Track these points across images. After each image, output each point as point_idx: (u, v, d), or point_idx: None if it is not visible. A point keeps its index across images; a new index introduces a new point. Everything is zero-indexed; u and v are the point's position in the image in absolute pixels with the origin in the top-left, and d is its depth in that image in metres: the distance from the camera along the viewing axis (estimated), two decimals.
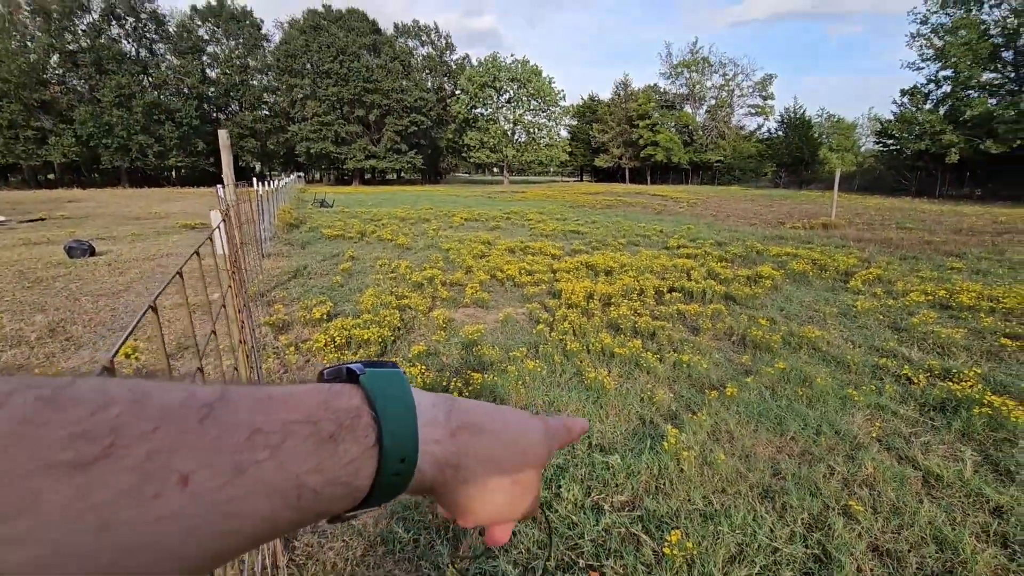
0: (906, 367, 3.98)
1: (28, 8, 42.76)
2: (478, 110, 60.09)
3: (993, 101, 31.46)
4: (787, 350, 4.48)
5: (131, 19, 48.18)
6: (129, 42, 48.76)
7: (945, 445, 2.98)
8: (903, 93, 37.89)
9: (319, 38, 51.75)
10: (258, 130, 53.43)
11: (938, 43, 33.86)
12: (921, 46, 35.31)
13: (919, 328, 4.90)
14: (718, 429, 3.12)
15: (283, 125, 54.35)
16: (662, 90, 61.79)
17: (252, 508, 0.26)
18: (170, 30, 50.57)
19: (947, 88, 34.73)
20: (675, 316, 5.42)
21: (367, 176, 58.92)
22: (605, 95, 69.84)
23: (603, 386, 3.63)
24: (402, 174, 60.10)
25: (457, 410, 0.39)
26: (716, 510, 2.40)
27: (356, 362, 0.37)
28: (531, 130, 61.13)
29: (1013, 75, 32.39)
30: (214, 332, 1.49)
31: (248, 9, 54.53)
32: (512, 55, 71.54)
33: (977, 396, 3.30)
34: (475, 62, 63.66)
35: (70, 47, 43.99)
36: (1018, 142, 28.45)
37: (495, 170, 75.84)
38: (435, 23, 72.46)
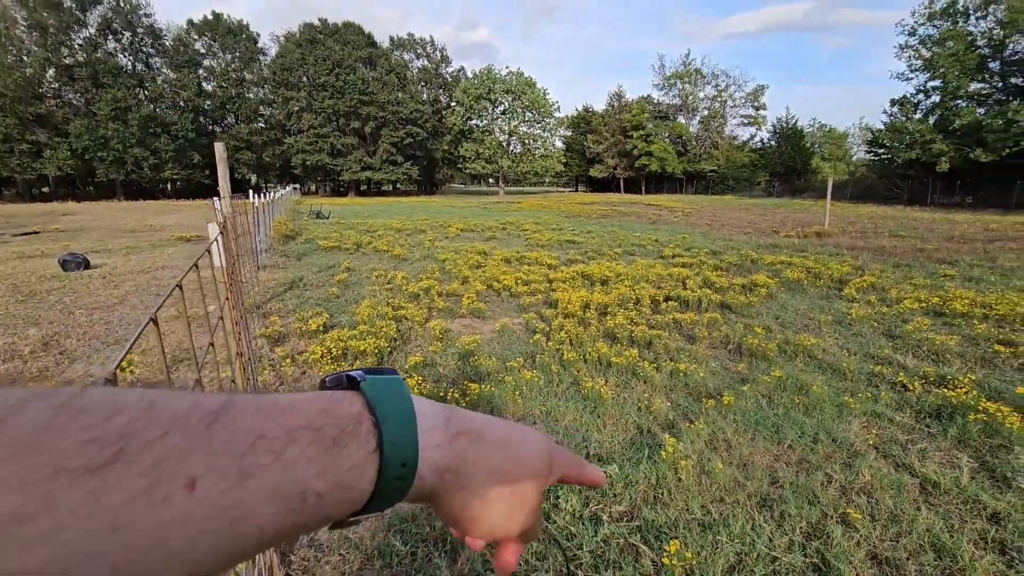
0: (901, 374, 4.00)
1: (24, 23, 42.91)
2: (473, 121, 60.51)
3: (981, 111, 31.91)
4: (783, 358, 4.50)
5: (128, 33, 48.40)
6: (125, 56, 48.94)
7: (942, 452, 2.99)
8: (893, 103, 38.38)
9: (315, 51, 52.08)
10: (254, 142, 53.55)
11: (926, 54, 34.38)
12: (910, 57, 35.84)
13: (913, 335, 4.93)
14: (715, 438, 3.12)
15: (279, 137, 54.51)
16: (656, 101, 62.43)
17: (258, 512, 0.27)
18: (166, 44, 50.81)
19: (936, 98, 35.24)
20: (671, 325, 5.43)
21: (363, 187, 59.06)
22: (599, 106, 70.62)
23: (600, 396, 3.63)
24: (398, 185, 60.24)
25: (456, 417, 0.40)
26: (715, 519, 2.39)
27: (356, 369, 0.38)
28: (526, 141, 61.57)
29: (1000, 85, 32.89)
30: (212, 344, 1.49)
31: (245, 23, 54.90)
32: (507, 67, 72.11)
33: (972, 403, 3.31)
34: (470, 74, 64.21)
35: (66, 61, 44.10)
36: (1007, 150, 28.81)
37: (491, 181, 76.18)
38: (431, 36, 72.97)
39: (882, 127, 38.97)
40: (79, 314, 6.09)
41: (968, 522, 2.38)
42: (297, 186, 51.03)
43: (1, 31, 41.31)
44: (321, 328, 5.26)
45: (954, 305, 5.78)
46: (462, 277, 7.80)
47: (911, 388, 3.75)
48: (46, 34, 42.93)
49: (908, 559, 2.16)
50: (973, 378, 3.82)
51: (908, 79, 37.02)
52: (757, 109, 60.20)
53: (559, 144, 67.21)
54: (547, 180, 74.56)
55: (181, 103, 50.23)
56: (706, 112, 61.14)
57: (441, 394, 3.73)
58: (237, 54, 54.24)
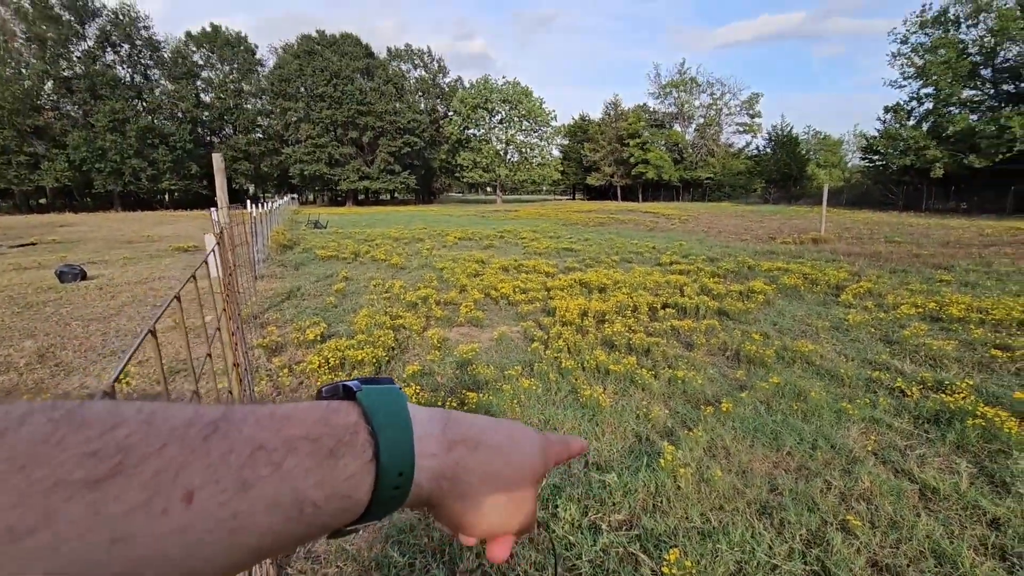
0: (899, 380, 4.00)
1: (23, 36, 43.11)
2: (471, 131, 60.84)
3: (974, 117, 32.15)
4: (781, 364, 4.50)
5: (126, 46, 48.66)
6: (124, 68, 49.18)
7: (940, 457, 2.99)
8: (887, 110, 38.69)
9: (313, 62, 52.39)
10: (252, 153, 53.72)
11: (919, 62, 34.70)
12: (902, 65, 36.19)
13: (911, 341, 4.94)
14: (714, 445, 3.12)
15: (277, 148, 54.70)
16: (651, 109, 62.84)
17: (256, 522, 0.27)
18: (165, 56, 51.07)
19: (929, 105, 35.48)
20: (669, 332, 5.43)
21: (361, 197, 59.24)
22: (596, 115, 70.92)
23: (598, 403, 3.62)
24: (396, 194, 60.49)
25: (453, 424, 0.40)
26: (714, 527, 2.38)
27: (353, 379, 0.39)
28: (523, 150, 61.89)
29: (992, 92, 33.21)
30: (210, 355, 1.49)
31: (243, 35, 55.28)
32: (503, 77, 72.52)
33: (970, 408, 3.31)
34: (467, 84, 64.64)
35: (64, 73, 44.27)
36: (1000, 156, 29.03)
37: (488, 189, 76.42)
38: (428, 47, 73.46)
39: (876, 134, 39.25)
40: (75, 326, 6.07)
41: (968, 528, 2.37)
42: (295, 196, 51.06)
43: (0, 44, 41.49)
44: (319, 338, 5.25)
45: (951, 310, 5.79)
46: (460, 286, 7.80)
47: (909, 393, 3.75)
48: (44, 47, 43.13)
49: (908, 566, 2.15)
50: (971, 383, 3.83)
51: (901, 86, 37.62)
52: (752, 117, 60.64)
53: (556, 153, 67.56)
54: (544, 188, 74.82)
55: (179, 114, 50.43)
56: (702, 120, 61.57)
57: (439, 403, 3.72)
58: (235, 65, 54.56)
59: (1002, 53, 31.51)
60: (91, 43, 46.49)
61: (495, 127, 61.31)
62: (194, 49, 53.06)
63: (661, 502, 2.58)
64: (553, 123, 62.96)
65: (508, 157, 61.87)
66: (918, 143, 33.36)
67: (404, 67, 64.15)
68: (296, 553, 2.30)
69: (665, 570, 2.07)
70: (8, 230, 21.51)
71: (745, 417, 3.46)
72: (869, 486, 2.66)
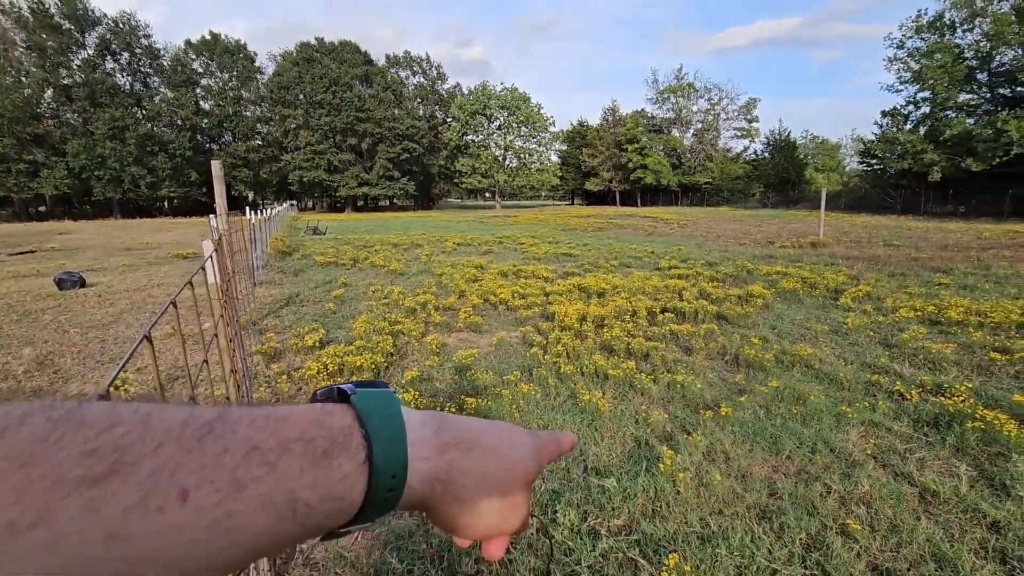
0: (898, 383, 4.00)
1: (23, 45, 43.29)
2: (469, 137, 60.98)
3: (971, 121, 32.30)
4: (780, 368, 4.50)
5: (126, 54, 48.86)
6: (123, 76, 49.35)
7: (940, 460, 2.98)
8: (884, 114, 38.84)
9: (312, 69, 52.59)
10: (251, 160, 53.80)
11: (915, 66, 34.89)
12: (899, 69, 36.36)
13: (910, 344, 4.94)
14: (713, 449, 3.11)
15: (276, 154, 54.79)
16: (650, 115, 63.05)
17: (251, 522, 0.27)
18: (164, 64, 51.26)
19: (926, 109, 35.67)
20: (668, 336, 5.43)
21: (360, 203, 59.26)
22: (594, 120, 71.17)
23: (597, 408, 3.62)
24: (395, 201, 60.48)
25: (447, 427, 0.40)
26: (714, 532, 2.37)
27: (348, 383, 0.39)
28: (522, 155, 62.00)
29: (989, 96, 33.37)
30: (206, 362, 1.49)
31: (242, 43, 55.50)
32: (501, 83, 73.04)
33: (969, 411, 3.31)
34: (466, 90, 64.86)
35: (64, 81, 44.41)
36: (997, 160, 29.13)
37: (487, 195, 76.55)
38: (426, 54, 73.85)
39: (874, 138, 39.39)
40: (74, 333, 6.06)
41: (968, 531, 2.36)
42: (294, 202, 51.13)
43: (0, 53, 41.67)
44: (317, 344, 5.25)
45: (949, 313, 5.80)
46: (459, 291, 7.80)
47: (908, 397, 3.75)
48: (45, 55, 43.29)
49: (909, 570, 2.14)
50: (970, 386, 3.83)
51: (898, 91, 37.56)
52: (750, 122, 60.89)
53: (555, 158, 67.69)
54: (543, 194, 75.04)
55: (179, 122, 50.56)
56: (700, 125, 61.79)
57: (438, 409, 3.71)
58: (234, 73, 54.75)
59: (998, 57, 31.70)
60: (91, 51, 46.66)
61: (494, 133, 61.48)
62: (193, 57, 53.26)
63: (660, 507, 2.57)
64: (551, 129, 63.13)
65: (507, 163, 62.01)
66: (915, 147, 33.50)
67: (403, 74, 64.40)
68: (295, 559, 2.29)
69: (665, 575, 2.07)
70: (7, 238, 21.52)
71: (744, 421, 3.45)
72: (869, 490, 2.66)
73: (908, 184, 36.53)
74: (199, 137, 53.16)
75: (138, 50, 49.24)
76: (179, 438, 0.26)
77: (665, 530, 2.39)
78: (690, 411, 3.71)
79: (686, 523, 2.45)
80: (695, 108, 62.05)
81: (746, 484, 2.75)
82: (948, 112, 33.84)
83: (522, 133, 61.52)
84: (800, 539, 2.32)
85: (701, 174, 58.37)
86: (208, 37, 53.79)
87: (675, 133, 61.44)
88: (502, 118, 60.39)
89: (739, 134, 61.89)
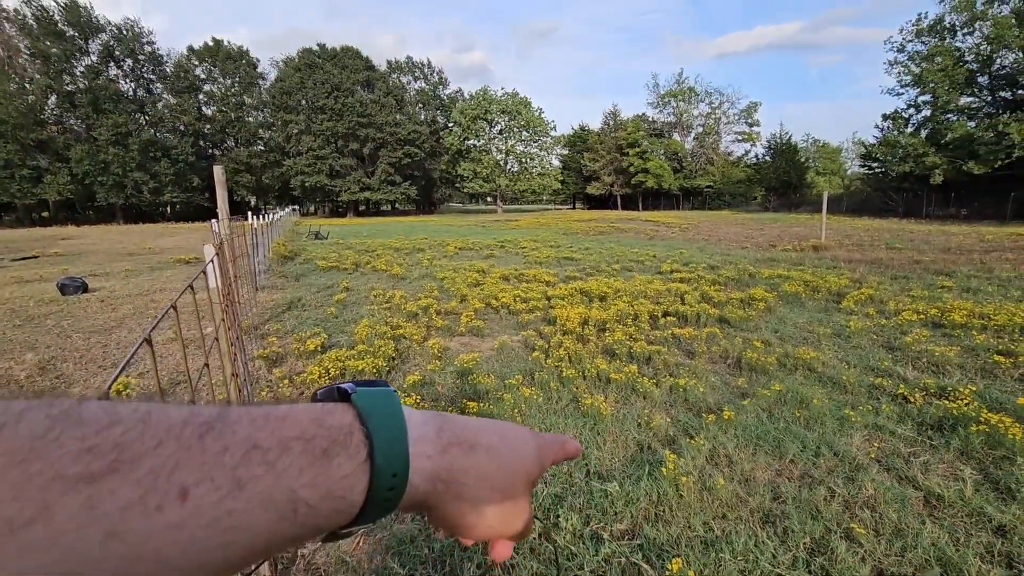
0: (902, 386, 3.98)
1: (28, 52, 43.61)
2: (471, 141, 61.18)
3: (972, 124, 32.32)
4: (783, 372, 4.48)
5: (129, 60, 49.18)
6: (127, 82, 49.71)
7: (944, 464, 2.96)
8: (885, 118, 38.87)
9: (314, 75, 52.89)
10: (253, 165, 54.05)
11: (916, 70, 34.93)
12: (899, 73, 36.43)
13: (913, 347, 4.92)
14: (716, 453, 3.09)
15: (278, 160, 55.04)
16: (650, 119, 63.28)
17: (251, 521, 0.27)
18: (167, 70, 51.60)
19: (927, 112, 35.70)
20: (670, 340, 5.42)
21: (361, 208, 59.49)
22: (595, 125, 71.34)
23: (599, 412, 3.60)
24: (396, 205, 60.76)
25: (448, 427, 0.40)
26: (717, 536, 2.36)
27: (348, 382, 0.39)
28: (523, 160, 62.19)
29: (990, 99, 33.41)
30: (207, 366, 1.49)
31: (244, 49, 55.85)
32: (502, 88, 72.97)
33: (974, 414, 3.29)
34: (467, 96, 65.10)
35: (68, 88, 44.71)
36: (999, 162, 29.11)
37: (489, 199, 76.67)
38: (428, 59, 74.17)
39: (875, 141, 39.41)
40: (76, 338, 6.07)
41: (974, 535, 2.34)
42: (296, 207, 51.34)
43: (4, 60, 41.97)
44: (319, 348, 5.25)
45: (952, 316, 5.78)
46: (461, 295, 7.80)
47: (912, 400, 3.73)
48: (49, 62, 43.60)
49: (914, 574, 2.13)
50: (974, 389, 3.81)
51: (899, 94, 37.64)
52: (751, 126, 61.03)
53: (556, 162, 67.88)
54: (544, 198, 75.07)
55: (181, 127, 50.85)
56: (701, 129, 61.96)
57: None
58: (237, 79, 55.08)
59: (998, 60, 31.75)
60: (95, 58, 47.01)
61: (495, 138, 61.69)
62: (196, 63, 53.60)
63: (663, 511, 2.55)
64: (553, 133, 63.35)
65: (508, 167, 62.19)
66: (917, 150, 33.49)
67: (404, 79, 64.71)
68: (296, 564, 2.28)
69: None
70: (11, 243, 21.61)
71: (747, 425, 3.44)
72: (873, 493, 2.64)
73: (910, 187, 36.52)
74: (202, 143, 53.47)
75: (141, 57, 49.59)
76: (179, 436, 0.26)
77: (668, 534, 2.38)
78: (693, 415, 3.69)
79: (689, 527, 2.43)
80: (696, 112, 62.30)
81: (749, 488, 2.74)
82: (949, 115, 33.87)
83: (523, 138, 61.74)
84: (804, 543, 2.31)
85: (702, 178, 58.43)
86: (211, 43, 54.16)
87: (676, 137, 61.61)
88: (503, 123, 60.62)
89: (740, 138, 62.04)
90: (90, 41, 46.61)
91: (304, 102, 53.51)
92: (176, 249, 17.39)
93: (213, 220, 4.76)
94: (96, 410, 0.25)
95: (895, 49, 36.39)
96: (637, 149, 59.00)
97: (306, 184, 53.67)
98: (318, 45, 56.18)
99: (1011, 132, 27.57)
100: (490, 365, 4.85)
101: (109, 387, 0.74)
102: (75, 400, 0.25)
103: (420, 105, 65.56)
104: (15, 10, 43.37)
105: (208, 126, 53.38)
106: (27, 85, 43.29)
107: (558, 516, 2.51)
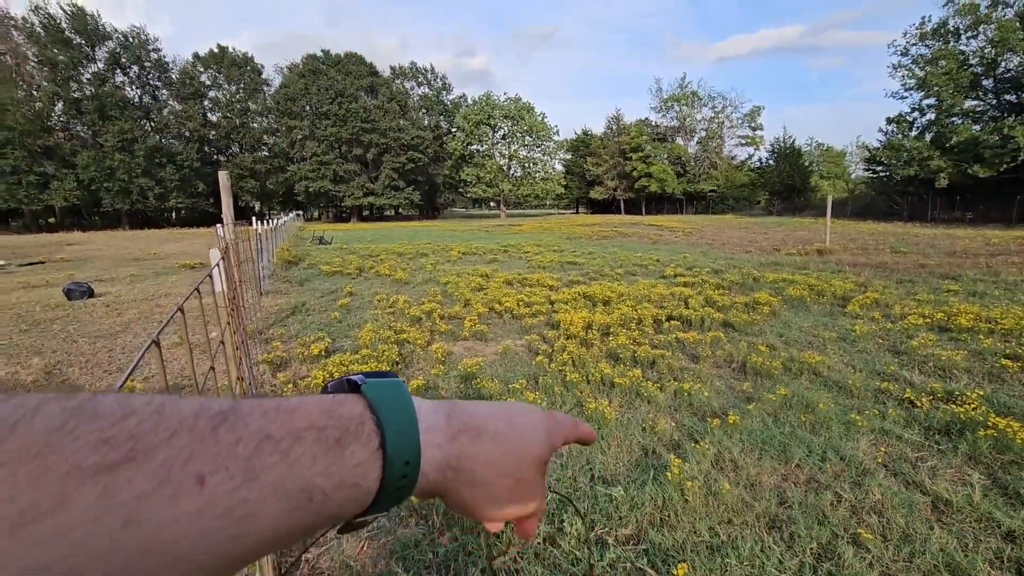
0: (908, 390, 3.96)
1: (35, 59, 44.06)
2: (474, 147, 61.39)
3: (977, 127, 32.18)
4: (788, 376, 4.46)
5: (135, 67, 49.62)
6: (133, 89, 50.13)
7: (952, 469, 2.94)
8: (889, 121, 38.74)
9: (318, 81, 53.23)
10: (258, 171, 54.37)
11: (920, 73, 34.82)
12: (903, 76, 36.28)
13: (919, 351, 4.89)
14: (722, 458, 3.08)
15: (282, 165, 55.34)
16: (654, 123, 63.24)
17: (265, 510, 0.27)
18: (173, 77, 52.03)
19: (931, 116, 35.55)
20: (674, 344, 5.41)
21: (365, 213, 59.68)
22: (598, 129, 71.43)
23: (604, 417, 3.59)
24: (400, 210, 60.85)
25: (457, 414, 0.41)
26: (723, 542, 2.35)
27: (357, 374, 0.39)
28: (526, 165, 62.36)
29: (995, 102, 33.28)
30: (213, 369, 1.49)
31: (249, 55, 56.29)
32: (505, 93, 73.22)
33: (981, 418, 3.27)
34: (470, 101, 65.36)
35: (75, 95, 45.12)
36: (1004, 166, 28.97)
37: (492, 204, 76.89)
38: (431, 64, 74.56)
39: (879, 145, 39.27)
40: (82, 342, 6.10)
41: (983, 541, 2.32)
42: (300, 213, 51.55)
43: (12, 68, 42.41)
44: (323, 353, 5.26)
45: (959, 320, 5.74)
46: (464, 300, 7.80)
47: (919, 404, 3.71)
48: (56, 69, 44.03)
49: None
50: (981, 393, 3.78)
51: (903, 97, 37.48)
52: (754, 129, 60.93)
53: (559, 167, 67.95)
54: (548, 203, 75.27)
55: (187, 133, 51.23)
56: (704, 133, 61.90)
57: None
58: (242, 85, 55.49)
59: (1003, 64, 31.64)
60: (101, 65, 47.44)
61: (498, 143, 61.89)
62: (201, 70, 54.04)
63: (668, 516, 2.54)
64: (555, 138, 63.51)
65: (511, 172, 62.36)
66: (921, 153, 33.36)
67: (408, 85, 65.03)
68: (299, 569, 2.28)
69: None
70: (17, 249, 21.76)
71: (753, 429, 3.42)
72: (880, 498, 2.62)
73: (914, 191, 36.35)
74: (207, 149, 53.84)
75: (147, 63, 50.04)
76: (192, 428, 0.26)
77: (673, 539, 2.37)
78: (697, 419, 3.68)
79: (695, 532, 2.42)
80: (699, 116, 62.26)
81: (755, 493, 2.72)
82: (954, 118, 33.73)
83: (526, 143, 61.94)
84: (811, 548, 2.29)
85: (706, 182, 58.36)
86: (216, 50, 54.61)
87: (679, 141, 61.59)
88: (506, 128, 60.83)
89: (743, 142, 61.95)
90: (97, 48, 47.06)
91: (308, 108, 53.84)
92: (181, 254, 17.48)
93: (218, 225, 4.79)
94: (111, 403, 0.25)
95: (899, 52, 36.30)
96: (640, 153, 59.01)
97: (310, 189, 53.92)
98: (322, 51, 56.62)
99: (1016, 135, 27.45)
100: (494, 369, 4.85)
101: (118, 390, 0.74)
102: (89, 394, 0.26)
103: (423, 110, 65.86)
104: (23, 18, 43.90)
105: (213, 132, 53.76)
106: (34, 92, 43.70)
107: (563, 520, 2.50)
